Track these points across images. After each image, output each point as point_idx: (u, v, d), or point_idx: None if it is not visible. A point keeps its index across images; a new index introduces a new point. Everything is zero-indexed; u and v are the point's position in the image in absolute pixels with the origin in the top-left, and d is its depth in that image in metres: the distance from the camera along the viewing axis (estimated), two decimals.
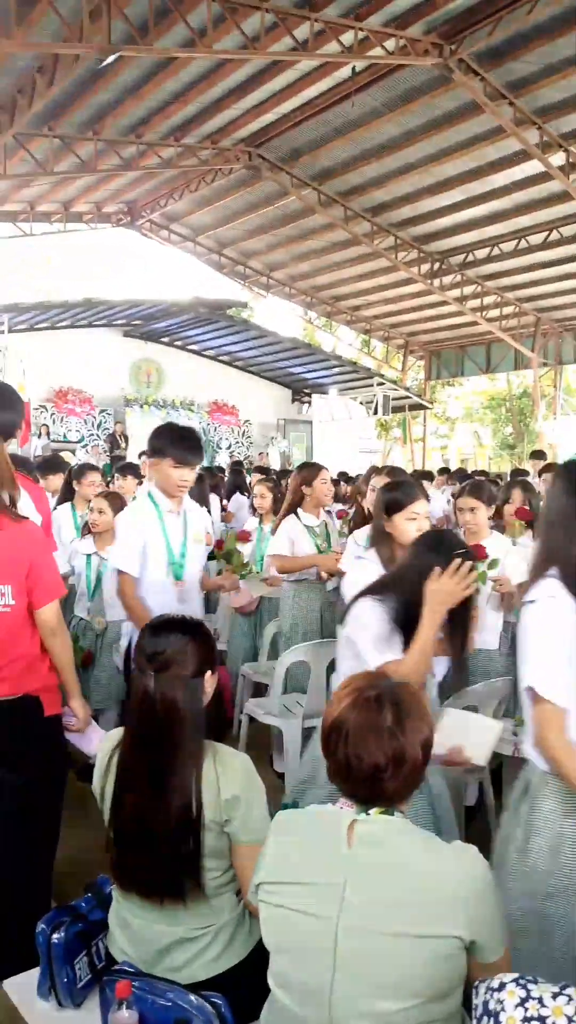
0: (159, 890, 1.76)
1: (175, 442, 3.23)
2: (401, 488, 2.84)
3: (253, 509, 5.61)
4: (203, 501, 6.67)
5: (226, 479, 9.62)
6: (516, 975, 1.23)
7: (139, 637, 1.92)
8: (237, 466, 10.71)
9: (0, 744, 2.41)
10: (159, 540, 3.26)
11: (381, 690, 1.51)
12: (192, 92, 10.48)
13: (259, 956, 1.62)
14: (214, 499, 7.79)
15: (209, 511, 6.76)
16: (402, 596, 2.28)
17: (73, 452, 12.83)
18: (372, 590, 2.37)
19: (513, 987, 1.21)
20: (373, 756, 1.44)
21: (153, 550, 3.24)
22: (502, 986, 1.21)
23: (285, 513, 4.47)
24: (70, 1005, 1.83)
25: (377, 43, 8.99)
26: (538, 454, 10.78)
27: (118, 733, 1.92)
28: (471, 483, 4.37)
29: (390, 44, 9.09)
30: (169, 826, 1.73)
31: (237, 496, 8.58)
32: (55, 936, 1.86)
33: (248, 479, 8.84)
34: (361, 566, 2.83)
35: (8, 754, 2.42)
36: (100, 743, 2.68)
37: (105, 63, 8.89)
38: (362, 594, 2.38)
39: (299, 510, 4.41)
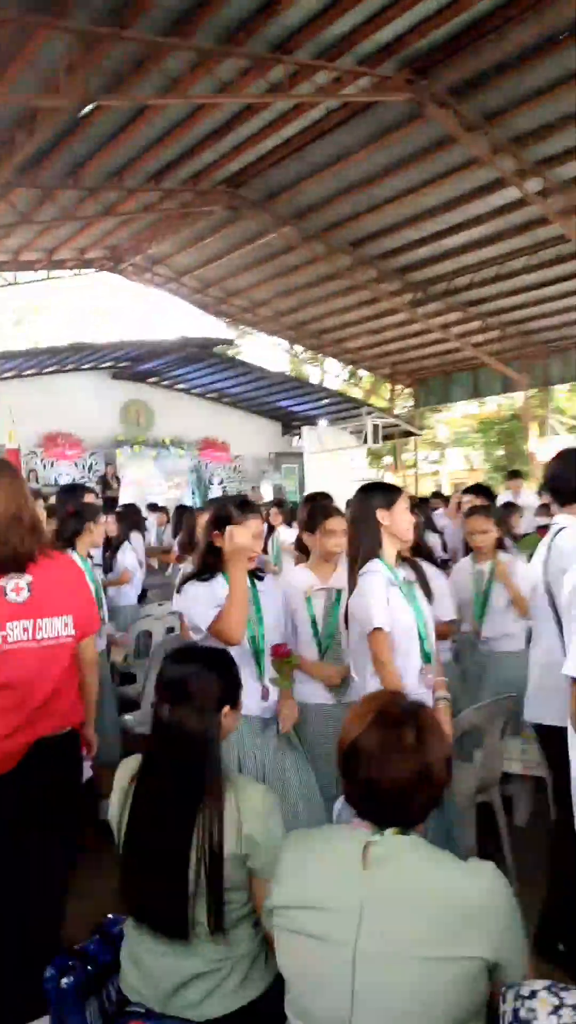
0: (177, 926, 1.70)
1: None
2: None
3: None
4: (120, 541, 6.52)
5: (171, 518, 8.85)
6: (547, 982, 1.18)
7: (160, 664, 1.90)
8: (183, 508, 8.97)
9: (55, 780, 2.35)
10: None
11: (400, 709, 1.49)
12: (170, 137, 10.66)
13: (278, 990, 1.57)
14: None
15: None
16: None
17: None
18: None
19: (545, 995, 1.17)
20: (398, 775, 1.41)
21: None
22: (533, 994, 1.17)
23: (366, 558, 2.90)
24: None
25: (350, 82, 9.19)
26: (514, 474, 10.79)
27: (135, 761, 1.87)
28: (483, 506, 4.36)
29: (363, 82, 9.29)
30: (185, 861, 1.68)
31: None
32: (64, 981, 1.80)
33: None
34: None
35: (59, 792, 2.36)
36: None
37: (83, 113, 9.06)
38: None
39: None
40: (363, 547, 2.84)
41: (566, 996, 1.15)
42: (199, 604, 2.84)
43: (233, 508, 2.94)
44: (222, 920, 1.70)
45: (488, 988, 1.35)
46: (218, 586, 2.88)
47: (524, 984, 1.20)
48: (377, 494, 2.91)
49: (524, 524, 8.19)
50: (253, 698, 2.81)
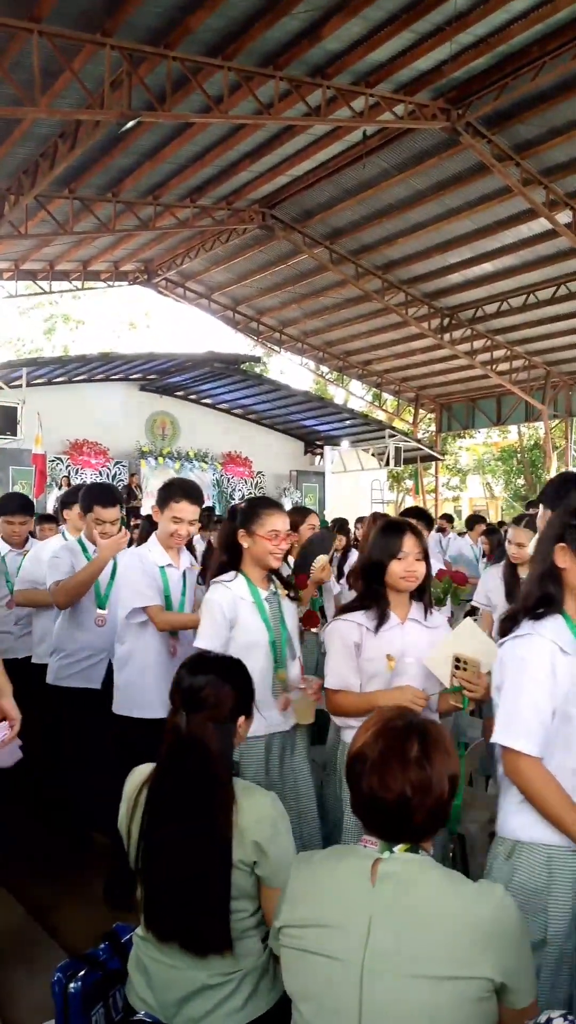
0: (187, 934, 1.70)
1: None
2: None
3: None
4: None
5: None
6: (563, 1011, 1.20)
7: (176, 673, 1.87)
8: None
9: None
10: None
11: (408, 721, 1.48)
12: (208, 156, 10.83)
13: (284, 1008, 1.56)
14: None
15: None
16: None
17: None
18: None
19: (561, 1022, 1.19)
20: (398, 786, 1.40)
21: None
22: (549, 1021, 1.18)
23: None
24: None
25: (387, 108, 9.31)
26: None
27: (146, 769, 1.87)
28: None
29: (399, 109, 9.41)
30: (197, 869, 1.68)
31: None
32: (71, 985, 1.80)
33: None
34: None
35: None
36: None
37: (125, 128, 9.23)
38: None
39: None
40: None
41: None
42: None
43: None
44: (228, 930, 1.69)
45: (496, 1013, 1.35)
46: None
47: (543, 1013, 1.22)
48: None
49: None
50: None
